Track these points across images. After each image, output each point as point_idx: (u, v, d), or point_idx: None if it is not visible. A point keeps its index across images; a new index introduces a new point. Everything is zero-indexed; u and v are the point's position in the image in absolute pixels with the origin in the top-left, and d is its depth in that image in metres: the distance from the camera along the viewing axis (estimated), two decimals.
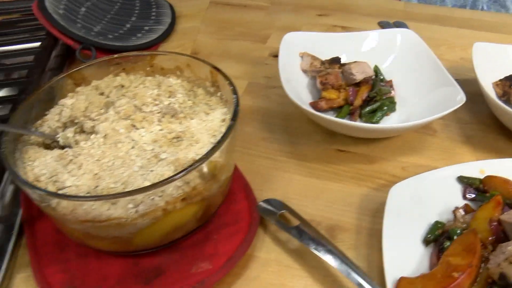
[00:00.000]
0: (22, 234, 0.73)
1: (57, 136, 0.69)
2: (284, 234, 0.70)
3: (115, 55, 0.78)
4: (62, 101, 0.73)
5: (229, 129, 0.61)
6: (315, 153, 0.84)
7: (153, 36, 1.14)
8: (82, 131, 0.69)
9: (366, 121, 0.86)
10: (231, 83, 0.68)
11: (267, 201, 0.72)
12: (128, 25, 1.16)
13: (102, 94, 0.73)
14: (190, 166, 0.57)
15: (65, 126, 0.70)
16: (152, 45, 1.13)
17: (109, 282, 0.64)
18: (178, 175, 0.56)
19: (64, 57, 1.11)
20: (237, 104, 0.65)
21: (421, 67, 0.91)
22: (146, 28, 1.17)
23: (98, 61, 0.78)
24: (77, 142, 0.67)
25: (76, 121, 0.69)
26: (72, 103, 0.71)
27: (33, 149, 0.67)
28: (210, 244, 0.67)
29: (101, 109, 0.69)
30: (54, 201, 0.58)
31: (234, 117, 0.63)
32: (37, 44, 1.08)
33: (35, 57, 1.00)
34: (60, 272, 0.65)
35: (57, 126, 0.70)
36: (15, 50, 1.08)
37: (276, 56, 1.05)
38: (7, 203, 0.76)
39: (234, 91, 0.67)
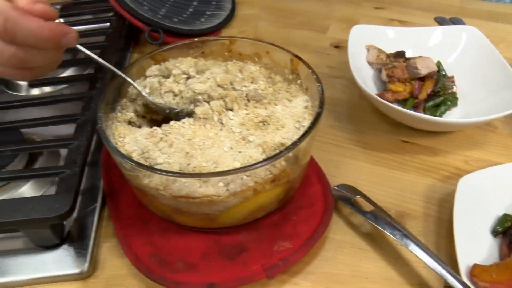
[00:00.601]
0: (102, 206, 0.77)
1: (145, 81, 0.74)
2: (356, 218, 0.74)
3: (196, 39, 0.81)
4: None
5: (318, 116, 0.64)
6: (381, 142, 0.87)
7: (216, 21, 1.18)
8: (168, 76, 0.74)
9: (429, 115, 0.89)
10: (314, 72, 0.71)
11: (340, 186, 0.76)
12: (190, 9, 1.20)
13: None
14: (285, 149, 0.60)
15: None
16: (215, 30, 1.16)
17: (194, 257, 0.67)
18: (276, 156, 0.60)
19: (129, 38, 1.15)
20: (322, 93, 0.68)
21: (485, 65, 0.93)
22: (208, 13, 1.20)
23: (180, 43, 0.81)
24: (161, 84, 0.73)
25: (164, 70, 0.74)
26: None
27: (122, 126, 0.71)
28: (288, 224, 0.70)
29: (191, 64, 0.73)
30: (148, 176, 0.62)
31: (322, 105, 0.66)
32: (101, 25, 1.11)
33: (107, 37, 1.03)
34: (146, 245, 0.69)
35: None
36: (81, 31, 1.11)
37: (337, 47, 1.09)
38: (87, 176, 0.80)
39: (318, 80, 0.70)
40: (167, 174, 0.60)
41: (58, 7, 1.22)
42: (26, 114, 0.88)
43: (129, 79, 0.72)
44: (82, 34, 1.06)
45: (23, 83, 1.00)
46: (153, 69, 0.76)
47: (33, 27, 0.56)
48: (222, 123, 0.67)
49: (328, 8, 1.27)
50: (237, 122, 0.67)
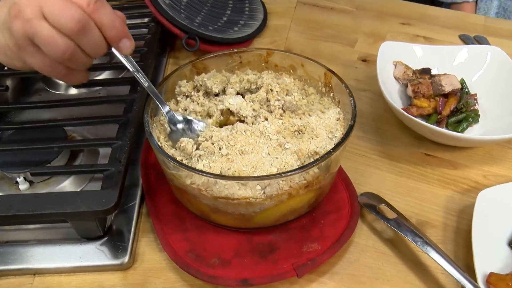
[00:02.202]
0: (140, 203, 0.82)
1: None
2: (379, 224, 0.78)
3: (235, 49, 0.86)
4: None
5: (350, 128, 0.69)
6: (404, 154, 0.92)
7: (249, 30, 1.22)
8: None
9: (451, 130, 0.93)
10: (347, 86, 0.76)
11: (365, 194, 0.81)
12: (224, 18, 1.24)
13: None
14: (320, 158, 0.65)
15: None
16: (248, 39, 1.21)
17: (227, 253, 0.72)
18: (311, 165, 0.64)
19: (165, 44, 1.20)
20: (355, 107, 0.73)
21: (506, 84, 0.98)
22: (242, 22, 1.24)
23: (220, 53, 0.86)
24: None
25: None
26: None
27: (166, 130, 0.76)
28: (316, 228, 0.75)
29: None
30: (190, 177, 0.67)
31: (354, 118, 0.71)
32: (140, 30, 1.15)
33: (146, 43, 1.08)
34: (183, 240, 0.74)
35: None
36: None
37: (364, 60, 1.13)
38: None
39: (351, 94, 0.75)
40: (210, 176, 0.65)
41: None
42: (62, 112, 0.94)
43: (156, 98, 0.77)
44: None
45: (63, 82, 1.05)
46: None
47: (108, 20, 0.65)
48: (259, 130, 0.72)
49: (356, 22, 1.31)
50: (274, 130, 0.72)
